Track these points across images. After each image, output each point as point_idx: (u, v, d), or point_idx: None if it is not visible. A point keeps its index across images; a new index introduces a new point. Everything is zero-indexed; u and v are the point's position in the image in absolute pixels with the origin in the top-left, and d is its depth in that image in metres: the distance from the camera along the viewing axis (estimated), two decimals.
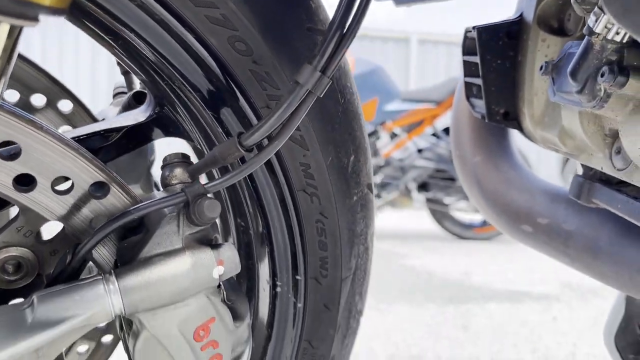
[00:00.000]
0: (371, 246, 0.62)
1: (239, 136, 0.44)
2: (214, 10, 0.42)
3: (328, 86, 0.42)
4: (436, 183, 4.57)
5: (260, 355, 0.61)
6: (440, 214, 4.65)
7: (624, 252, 0.61)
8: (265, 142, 0.44)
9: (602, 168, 0.56)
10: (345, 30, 0.42)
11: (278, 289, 0.58)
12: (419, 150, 4.61)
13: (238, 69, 0.45)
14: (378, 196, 4.48)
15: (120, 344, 0.76)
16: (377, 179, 4.48)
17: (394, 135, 4.58)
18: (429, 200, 4.63)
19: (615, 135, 0.52)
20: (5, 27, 0.27)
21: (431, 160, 4.57)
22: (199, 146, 0.53)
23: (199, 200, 0.42)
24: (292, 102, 0.42)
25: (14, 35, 0.28)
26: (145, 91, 0.58)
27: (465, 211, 4.70)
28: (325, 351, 0.62)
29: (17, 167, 0.39)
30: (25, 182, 0.40)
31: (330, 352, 0.63)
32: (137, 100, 0.58)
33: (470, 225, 4.69)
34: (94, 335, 0.73)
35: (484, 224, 4.67)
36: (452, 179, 4.50)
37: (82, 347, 0.72)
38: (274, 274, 0.58)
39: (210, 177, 0.62)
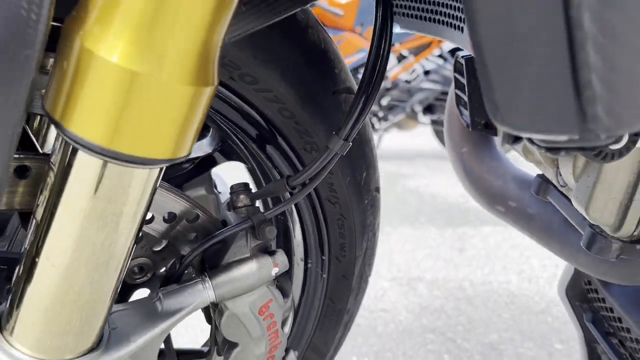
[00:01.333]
0: (377, 230, 0.82)
1: (287, 178, 0.63)
2: (269, 93, 0.60)
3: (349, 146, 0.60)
4: (442, 105, 4.71)
5: (296, 309, 0.83)
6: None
7: (569, 236, 0.81)
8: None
9: (551, 179, 0.74)
10: (362, 106, 0.60)
11: (309, 265, 0.80)
12: (426, 73, 4.71)
13: (284, 127, 0.63)
14: (385, 119, 4.64)
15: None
16: (384, 101, 4.62)
17: (402, 58, 4.66)
18: (434, 122, 4.80)
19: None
20: (156, 170, 0.45)
21: (437, 82, 4.68)
22: (254, 169, 0.72)
23: (262, 225, 0.62)
24: (324, 159, 0.60)
25: (162, 172, 0.46)
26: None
27: None
28: (342, 306, 0.84)
29: None
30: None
31: (347, 306, 0.85)
32: None
33: None
34: None
35: None
36: None
37: None
38: (306, 255, 0.79)
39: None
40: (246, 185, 0.66)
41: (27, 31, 0.34)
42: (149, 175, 0.44)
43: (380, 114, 4.63)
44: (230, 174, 0.84)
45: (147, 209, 0.47)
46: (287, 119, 0.63)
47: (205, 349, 0.83)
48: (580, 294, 0.96)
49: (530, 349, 1.72)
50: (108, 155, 0.41)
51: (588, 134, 0.30)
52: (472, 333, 1.81)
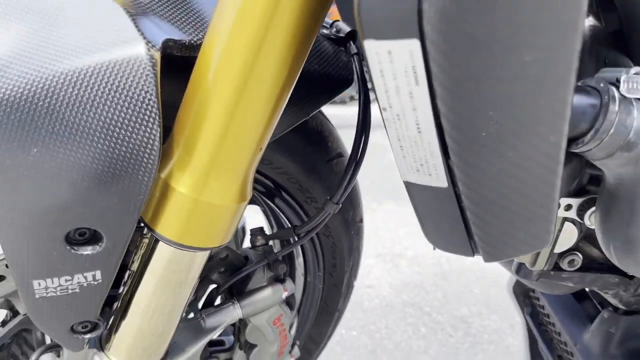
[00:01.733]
0: (362, 249, 1.05)
1: (294, 228, 0.85)
2: (280, 169, 0.81)
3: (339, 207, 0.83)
4: None
5: (297, 312, 1.07)
6: None
7: None
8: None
9: None
10: (351, 174, 0.81)
11: (308, 279, 1.03)
12: None
13: (292, 189, 0.85)
14: (373, 89, 4.81)
15: None
16: None
17: None
18: None
19: None
20: (206, 253, 0.67)
21: None
22: (266, 210, 0.94)
23: (275, 263, 0.84)
24: (321, 217, 0.82)
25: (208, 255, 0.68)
26: None
27: None
28: (334, 307, 1.08)
29: None
30: None
31: (337, 307, 1.09)
32: None
33: None
34: None
35: None
36: None
37: None
38: (306, 271, 1.02)
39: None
40: (262, 229, 0.89)
41: (141, 188, 0.56)
42: (203, 255, 0.67)
43: (370, 85, 4.79)
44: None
45: (201, 272, 0.69)
46: (293, 183, 0.85)
47: (225, 339, 1.07)
48: (524, 292, 1.20)
49: (495, 321, 1.99)
50: (178, 245, 0.63)
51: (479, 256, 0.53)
52: (446, 307, 2.07)
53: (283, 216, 0.91)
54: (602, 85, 0.44)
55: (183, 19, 0.65)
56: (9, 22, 0.58)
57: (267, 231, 0.97)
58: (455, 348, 1.84)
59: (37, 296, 0.62)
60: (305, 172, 0.84)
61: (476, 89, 0.40)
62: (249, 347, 0.91)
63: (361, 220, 1.01)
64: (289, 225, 0.90)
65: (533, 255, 0.85)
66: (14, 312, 0.83)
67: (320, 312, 1.07)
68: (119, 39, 0.55)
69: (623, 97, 0.43)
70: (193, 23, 0.65)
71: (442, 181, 0.47)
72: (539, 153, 0.43)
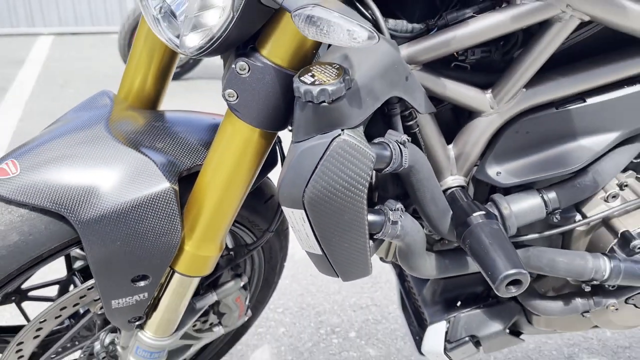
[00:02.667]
0: (289, 244, 1.64)
1: (246, 245, 1.41)
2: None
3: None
4: None
5: (249, 290, 1.65)
6: None
7: None
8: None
9: None
10: (281, 212, 1.37)
11: (254, 267, 1.60)
12: None
13: (243, 221, 1.40)
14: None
15: None
16: None
17: None
18: None
19: None
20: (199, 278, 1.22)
21: None
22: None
23: (235, 266, 1.41)
24: (261, 240, 1.39)
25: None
26: None
27: None
28: (272, 281, 1.67)
29: None
30: None
31: (274, 280, 1.68)
32: None
33: None
34: None
35: None
36: None
37: None
38: (252, 263, 1.59)
39: None
40: (225, 244, 1.44)
41: (171, 252, 1.10)
42: (199, 278, 1.22)
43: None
44: None
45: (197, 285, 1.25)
46: (243, 219, 1.40)
47: None
48: None
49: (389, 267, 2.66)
50: (185, 275, 1.18)
51: None
52: None
53: (239, 235, 1.46)
54: (386, 210, 1.02)
55: (179, 148, 1.16)
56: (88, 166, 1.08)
57: (230, 244, 1.53)
58: (361, 287, 2.51)
59: (113, 307, 1.16)
60: (250, 212, 1.39)
61: (330, 225, 0.97)
62: (219, 314, 1.49)
63: (287, 228, 1.59)
64: (243, 243, 1.46)
65: (384, 251, 1.46)
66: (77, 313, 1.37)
67: (263, 285, 1.66)
68: (155, 180, 1.07)
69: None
70: (184, 149, 1.17)
71: (318, 252, 1.04)
72: (357, 245, 1.01)
